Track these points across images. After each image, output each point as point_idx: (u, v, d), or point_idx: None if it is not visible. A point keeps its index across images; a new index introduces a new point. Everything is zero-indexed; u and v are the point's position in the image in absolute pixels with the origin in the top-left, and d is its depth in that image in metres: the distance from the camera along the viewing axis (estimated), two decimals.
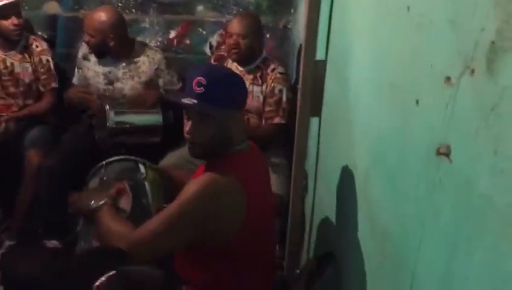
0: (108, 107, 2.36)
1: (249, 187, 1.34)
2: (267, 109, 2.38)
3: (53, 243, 2.40)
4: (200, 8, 2.85)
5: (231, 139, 1.37)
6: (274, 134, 2.38)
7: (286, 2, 2.84)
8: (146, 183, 1.72)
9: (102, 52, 2.51)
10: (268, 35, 2.86)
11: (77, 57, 2.65)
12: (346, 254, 1.34)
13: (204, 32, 2.90)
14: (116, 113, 2.37)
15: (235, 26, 2.34)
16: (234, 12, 2.83)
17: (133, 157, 1.84)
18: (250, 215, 1.34)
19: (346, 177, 1.42)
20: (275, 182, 2.26)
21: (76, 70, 2.67)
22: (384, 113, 1.10)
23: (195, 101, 1.28)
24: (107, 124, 2.34)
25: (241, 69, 2.40)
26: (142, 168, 1.78)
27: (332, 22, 1.78)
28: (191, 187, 1.30)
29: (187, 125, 1.34)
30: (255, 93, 2.40)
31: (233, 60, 2.38)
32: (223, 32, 2.76)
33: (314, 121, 1.96)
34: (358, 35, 1.40)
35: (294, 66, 2.78)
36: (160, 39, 2.89)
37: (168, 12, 2.86)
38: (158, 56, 2.59)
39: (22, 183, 2.47)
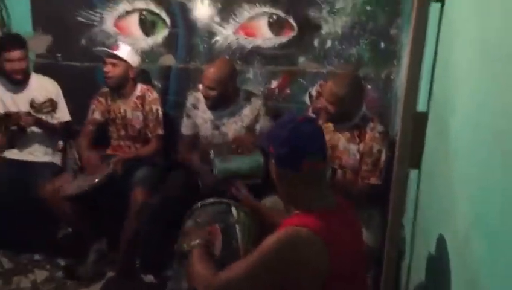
0: (213, 154, 2.42)
1: (332, 242, 1.34)
2: (364, 168, 2.32)
3: (149, 278, 2.52)
4: (302, 59, 2.92)
5: (302, 197, 1.42)
6: (369, 194, 2.30)
7: (389, 52, 2.81)
8: (237, 226, 1.76)
9: (219, 103, 2.63)
10: (369, 87, 2.84)
11: (186, 106, 2.82)
12: None
13: (304, 83, 2.95)
14: (222, 161, 2.39)
15: (327, 89, 2.30)
16: (335, 63, 2.87)
17: (225, 200, 1.90)
18: (333, 269, 1.33)
19: (445, 236, 1.32)
20: (369, 236, 2.20)
21: (184, 118, 2.82)
22: (487, 167, 1.02)
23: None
24: (214, 172, 2.36)
25: (333, 128, 2.38)
26: (234, 211, 1.83)
27: (435, 72, 1.73)
28: (272, 238, 1.35)
29: None
30: (352, 151, 2.35)
31: (323, 122, 2.35)
32: (323, 83, 2.79)
33: (413, 173, 1.87)
34: (461, 85, 1.33)
35: (396, 117, 2.71)
36: (262, 89, 3.00)
37: (271, 63, 2.96)
38: (259, 102, 2.72)
39: (127, 219, 2.65)
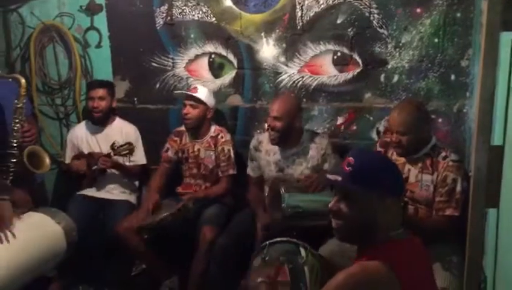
0: (283, 190, 2.43)
1: (405, 277, 1.27)
2: (438, 199, 2.18)
3: None
4: (368, 95, 2.88)
5: (381, 225, 1.33)
6: (446, 227, 2.15)
7: (461, 85, 2.69)
8: (305, 268, 1.73)
9: (284, 139, 2.64)
10: (440, 120, 2.73)
11: (249, 149, 2.87)
12: None
13: (371, 119, 2.90)
14: (291, 196, 2.41)
15: (395, 122, 2.22)
16: (403, 97, 2.80)
17: (294, 240, 1.89)
18: None
19: None
20: (444, 278, 2.06)
21: (249, 161, 2.88)
22: None
23: (339, 179, 1.34)
24: (283, 207, 2.36)
25: (403, 161, 2.28)
26: (303, 251, 1.81)
27: (509, 104, 1.63)
28: (340, 276, 1.29)
29: (332, 202, 1.38)
30: (424, 182, 2.23)
31: (398, 155, 2.27)
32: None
33: (491, 212, 1.75)
34: None
35: (471, 152, 2.57)
36: (327, 126, 2.99)
37: (336, 100, 2.95)
38: (325, 141, 2.69)
39: (196, 257, 2.69)
